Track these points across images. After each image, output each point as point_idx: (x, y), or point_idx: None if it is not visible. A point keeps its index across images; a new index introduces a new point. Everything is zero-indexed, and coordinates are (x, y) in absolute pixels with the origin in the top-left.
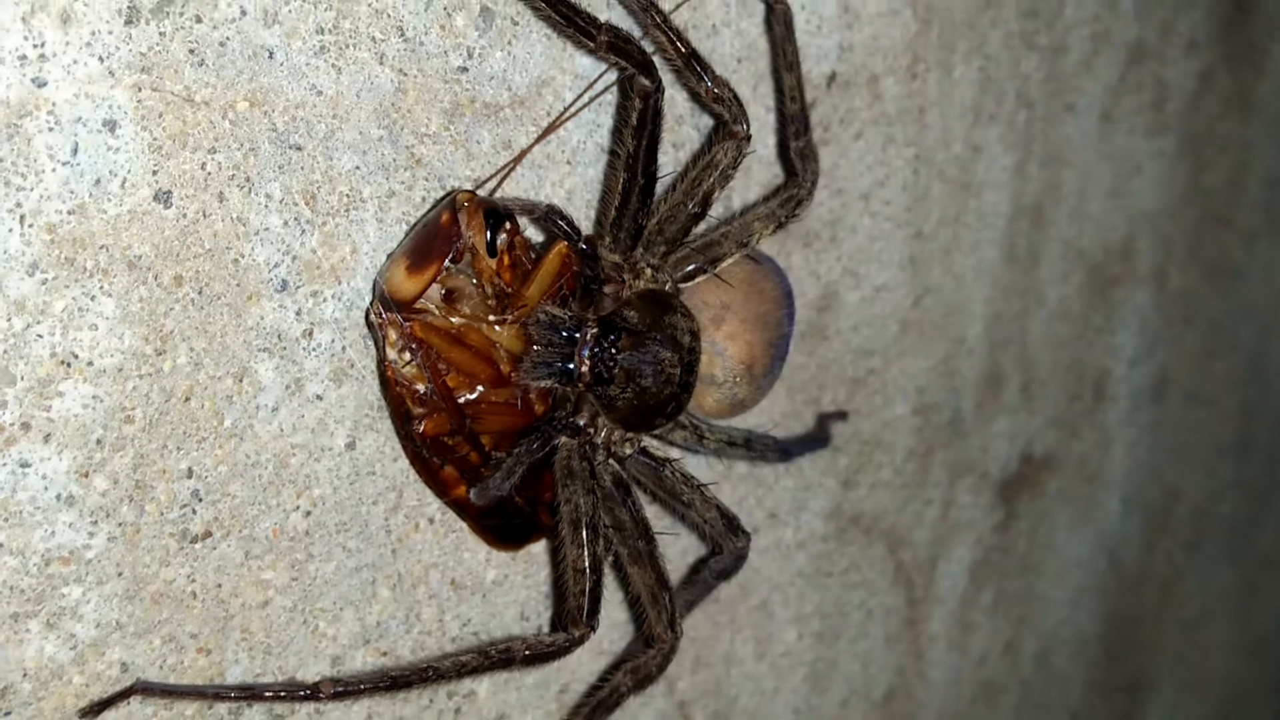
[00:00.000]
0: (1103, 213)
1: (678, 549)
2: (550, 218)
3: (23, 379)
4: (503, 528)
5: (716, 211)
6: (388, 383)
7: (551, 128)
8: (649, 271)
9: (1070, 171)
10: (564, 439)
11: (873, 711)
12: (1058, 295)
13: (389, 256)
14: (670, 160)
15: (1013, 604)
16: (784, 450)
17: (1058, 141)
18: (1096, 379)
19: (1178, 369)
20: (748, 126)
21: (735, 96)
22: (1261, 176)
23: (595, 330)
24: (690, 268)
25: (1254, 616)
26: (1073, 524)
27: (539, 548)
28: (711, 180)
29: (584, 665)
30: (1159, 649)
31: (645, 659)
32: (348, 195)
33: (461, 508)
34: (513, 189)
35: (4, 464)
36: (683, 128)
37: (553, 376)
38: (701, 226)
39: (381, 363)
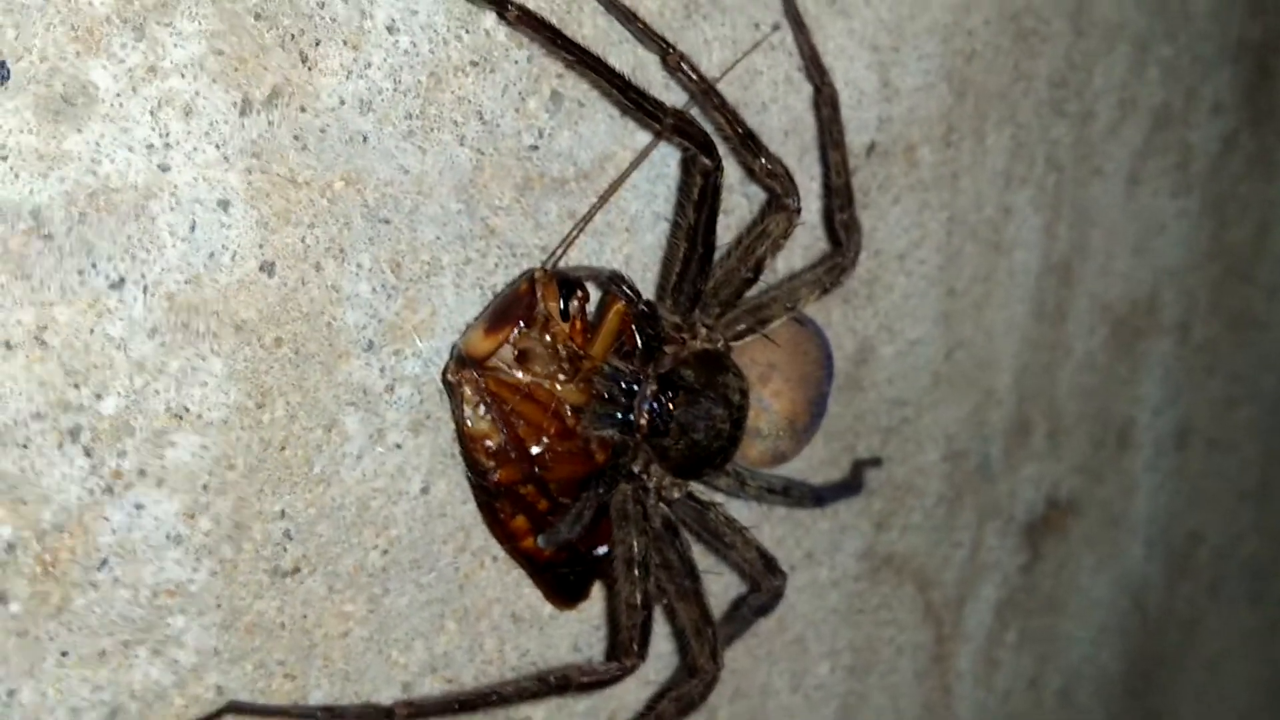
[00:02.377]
0: (1128, 269)
1: (720, 585)
2: (614, 282)
3: (140, 431)
4: (562, 579)
5: (764, 275)
6: (463, 437)
7: (609, 193)
8: (704, 331)
9: (1097, 231)
10: (620, 485)
11: None
12: (1084, 348)
13: (468, 325)
14: (721, 224)
15: (1037, 642)
16: (819, 497)
17: (1085, 203)
18: (1121, 427)
19: (1200, 417)
20: (799, 200)
21: (787, 172)
22: None
23: (654, 386)
24: (741, 328)
25: (1274, 657)
26: (1097, 566)
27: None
28: (764, 248)
29: (631, 694)
30: (1180, 688)
31: (689, 687)
32: (428, 263)
33: (527, 558)
34: (576, 256)
35: (122, 506)
36: (733, 195)
37: (614, 426)
38: (752, 290)
39: (458, 419)
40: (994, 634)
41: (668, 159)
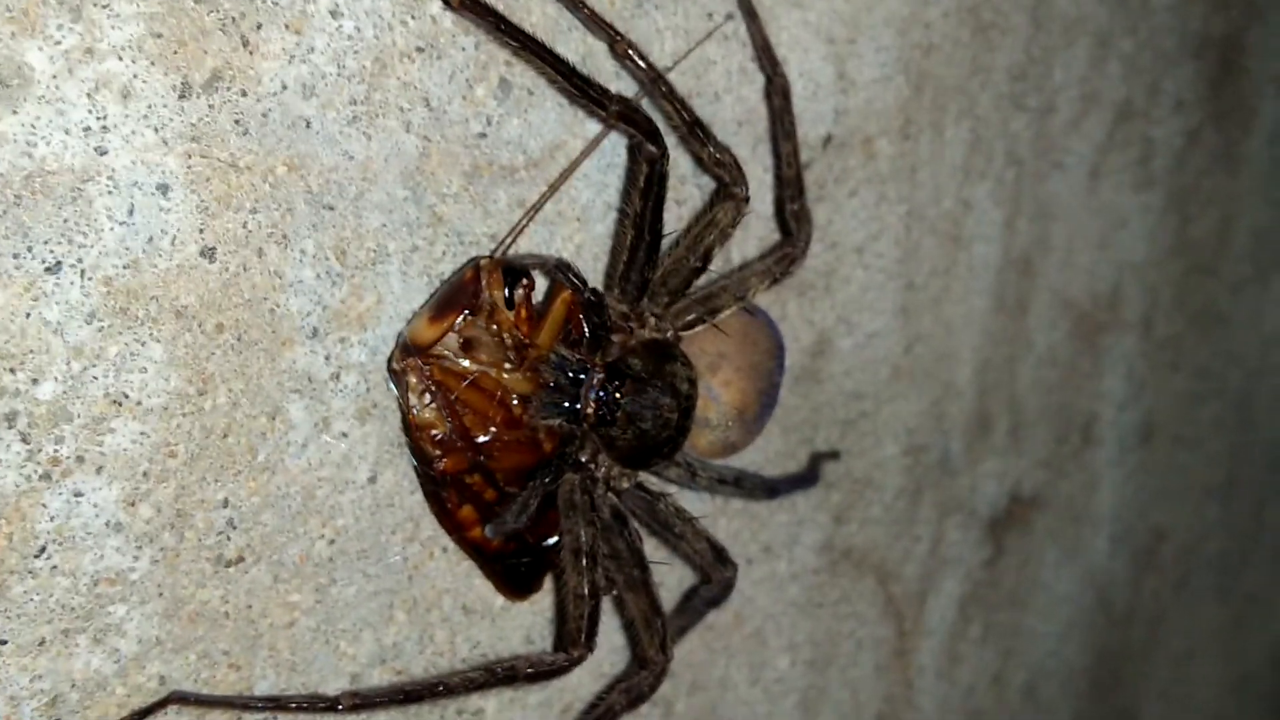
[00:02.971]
0: (1090, 264)
1: (674, 578)
2: (560, 270)
3: (79, 416)
4: (512, 570)
5: (715, 264)
6: (409, 426)
7: (559, 183)
8: (653, 321)
9: (1058, 225)
10: (567, 474)
11: None
12: (1046, 342)
13: (414, 313)
14: (673, 216)
15: (1001, 637)
16: (772, 488)
17: (1046, 197)
18: (1084, 422)
19: (1165, 413)
20: (747, 189)
21: (735, 161)
22: (1248, 228)
23: (601, 375)
24: (690, 317)
25: (1240, 653)
26: (1060, 561)
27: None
28: (712, 237)
29: (585, 686)
30: (1146, 684)
31: (638, 679)
32: (374, 250)
33: (476, 549)
34: (527, 244)
35: (60, 493)
36: (685, 186)
37: (561, 415)
38: (702, 280)
39: (403, 407)
40: (957, 629)
41: (619, 148)
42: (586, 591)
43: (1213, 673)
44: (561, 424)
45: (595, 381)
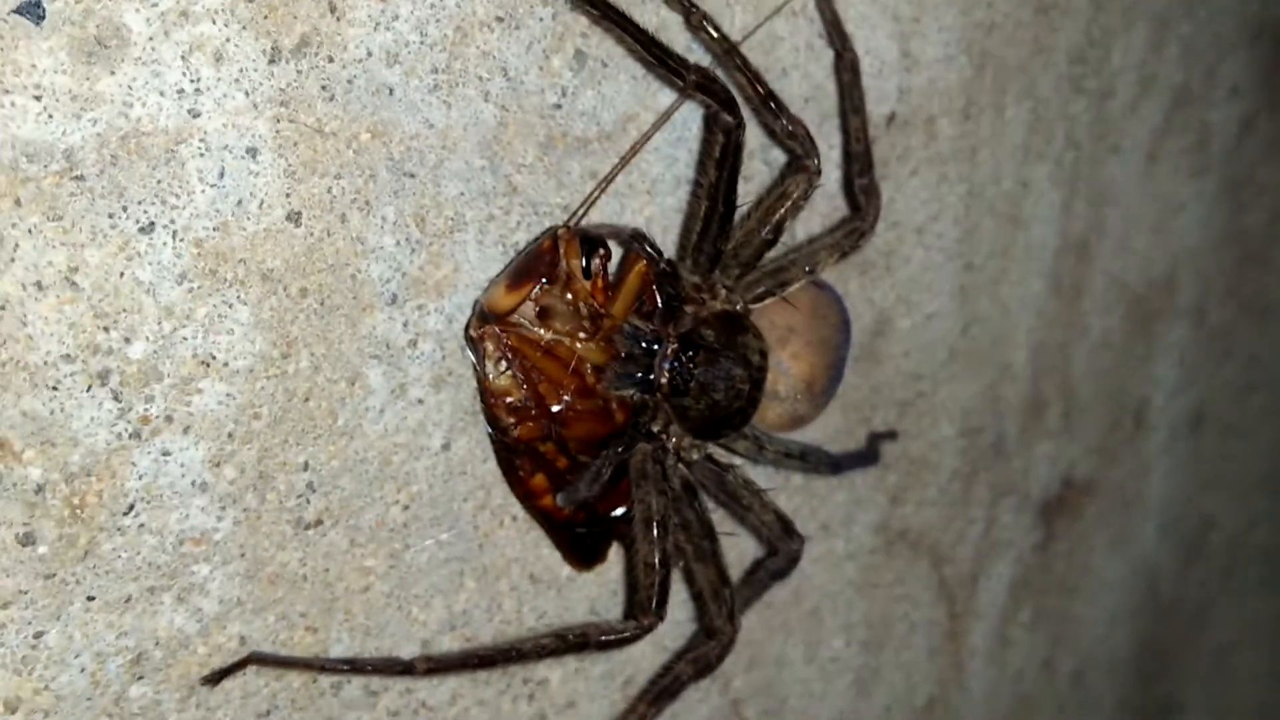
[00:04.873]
0: (1145, 249)
1: (737, 553)
2: (636, 241)
3: (168, 376)
4: (580, 540)
5: (783, 239)
6: (484, 393)
7: (632, 154)
8: (724, 293)
9: (1115, 209)
10: (640, 444)
11: (914, 719)
12: (1100, 327)
13: (491, 281)
14: (741, 190)
15: (1050, 622)
16: (835, 464)
17: (1103, 180)
18: (1136, 408)
19: (1215, 401)
20: (818, 161)
21: (808, 134)
22: None
23: (675, 345)
24: (760, 290)
25: None
26: (1110, 547)
27: (611, 552)
28: (784, 210)
29: (647, 659)
30: (1191, 673)
31: (705, 649)
32: (452, 219)
33: (546, 517)
34: (598, 216)
35: (149, 452)
36: (753, 162)
37: (635, 386)
38: (772, 253)
39: (479, 374)
40: (1007, 612)
41: (689, 122)
42: (658, 560)
43: (1258, 664)
44: (635, 394)
45: (669, 352)
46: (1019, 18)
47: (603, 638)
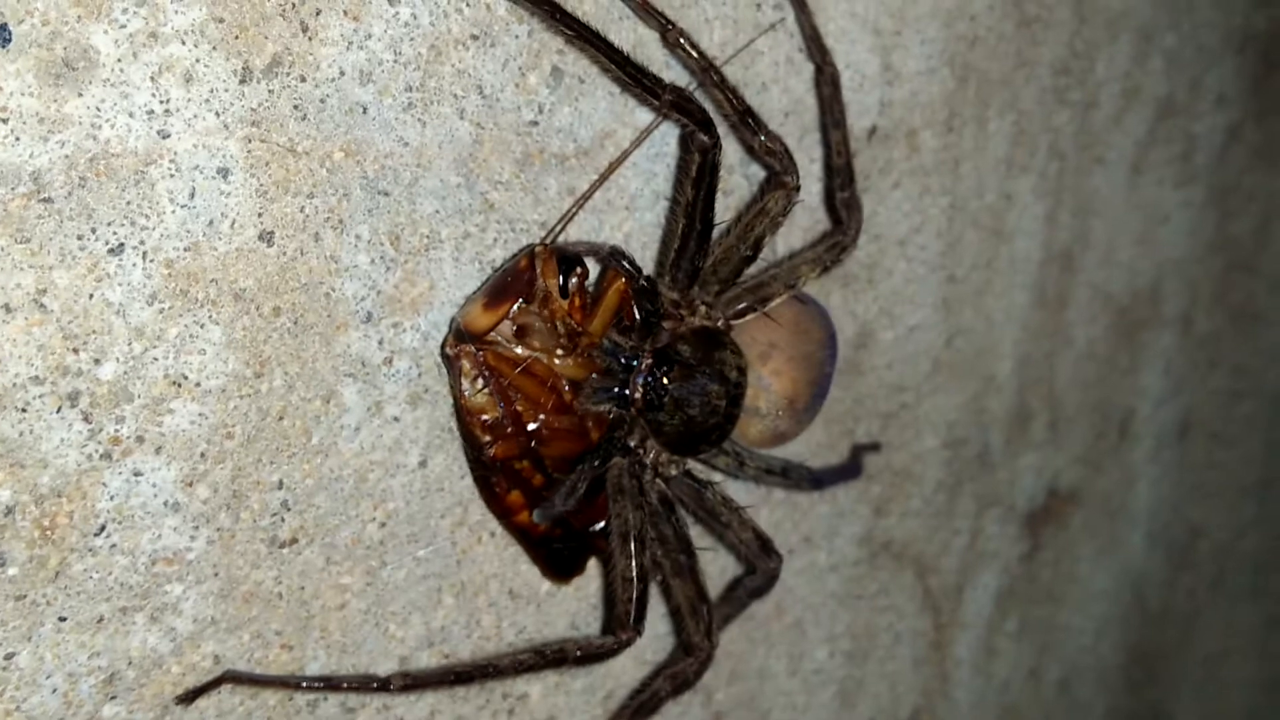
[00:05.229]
0: (1130, 259)
1: (716, 568)
2: (614, 258)
3: (139, 397)
4: (557, 555)
5: (763, 255)
6: (461, 411)
7: (609, 171)
8: (703, 309)
9: (1099, 220)
10: (616, 459)
11: None
12: (1085, 337)
13: (467, 299)
14: (720, 206)
15: (1037, 632)
16: (817, 480)
17: (1088, 192)
18: (1122, 418)
19: (1202, 410)
20: (797, 178)
21: (787, 150)
22: None
23: (650, 360)
24: (741, 306)
25: (1274, 653)
26: (1097, 557)
27: (589, 564)
28: (763, 226)
29: (628, 673)
30: (1180, 682)
31: (683, 665)
32: (427, 236)
33: (523, 533)
34: (576, 232)
35: (120, 473)
36: (733, 176)
37: (610, 400)
38: (752, 269)
39: (456, 392)
40: (993, 623)
41: (668, 138)
42: (635, 575)
43: (1246, 672)
44: (611, 409)
45: (644, 367)
46: (1001, 31)
47: (580, 652)
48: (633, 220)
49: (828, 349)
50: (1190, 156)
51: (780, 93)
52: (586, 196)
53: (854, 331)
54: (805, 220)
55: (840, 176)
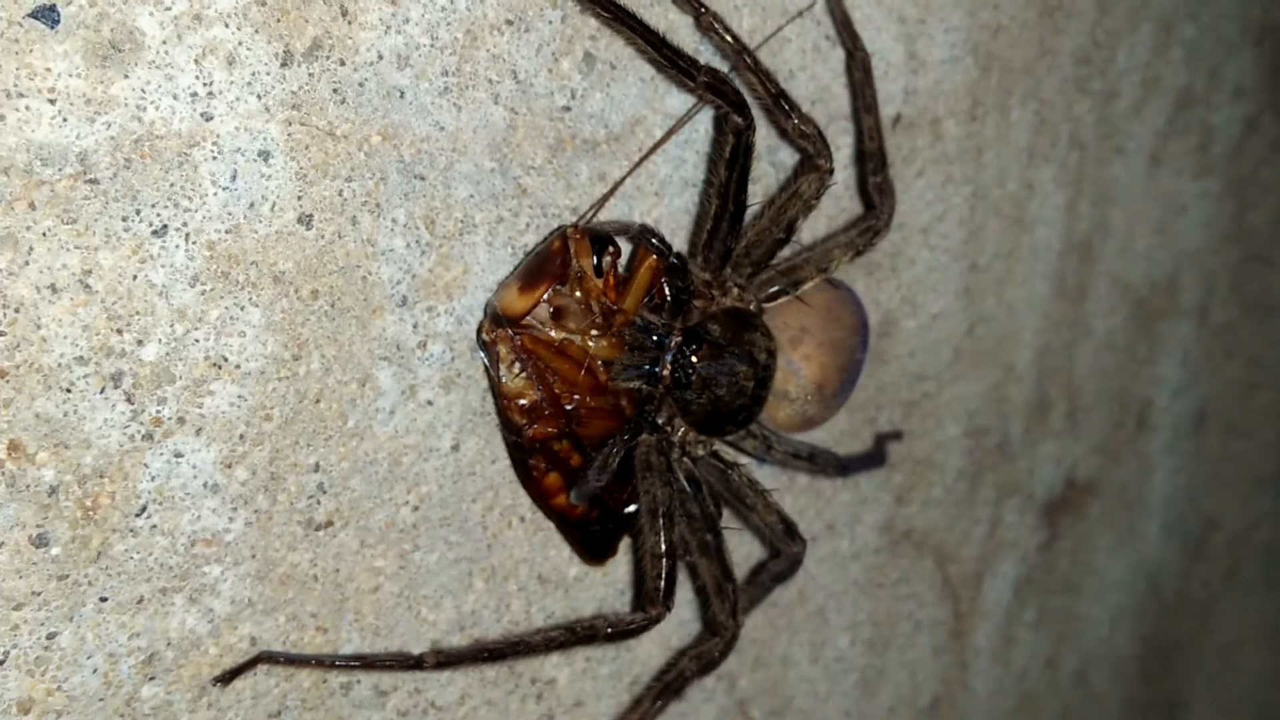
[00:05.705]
0: (1149, 250)
1: (741, 555)
2: (644, 236)
3: (180, 378)
4: (593, 536)
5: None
6: (498, 395)
7: (643, 159)
8: (735, 290)
9: (1119, 210)
10: (644, 435)
11: (919, 718)
12: (1104, 327)
13: (501, 283)
14: (750, 193)
15: (1054, 621)
16: (843, 466)
17: (1107, 181)
18: (1140, 408)
19: (1218, 401)
20: (831, 161)
21: (820, 133)
22: None
23: (679, 339)
24: (774, 289)
25: None
26: (1113, 547)
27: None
28: (796, 209)
29: (654, 658)
30: (1195, 672)
31: (709, 645)
32: (462, 221)
33: (561, 516)
34: (605, 217)
35: (161, 454)
36: (760, 163)
37: (640, 378)
38: (785, 252)
39: (493, 377)
40: (1012, 612)
41: (697, 125)
42: (664, 550)
43: (1261, 663)
44: (640, 386)
45: (673, 344)
46: (1024, 20)
47: (610, 629)
48: (662, 206)
49: (859, 336)
50: (1208, 147)
51: (807, 80)
52: (620, 182)
53: (877, 320)
54: (830, 209)
55: (873, 161)
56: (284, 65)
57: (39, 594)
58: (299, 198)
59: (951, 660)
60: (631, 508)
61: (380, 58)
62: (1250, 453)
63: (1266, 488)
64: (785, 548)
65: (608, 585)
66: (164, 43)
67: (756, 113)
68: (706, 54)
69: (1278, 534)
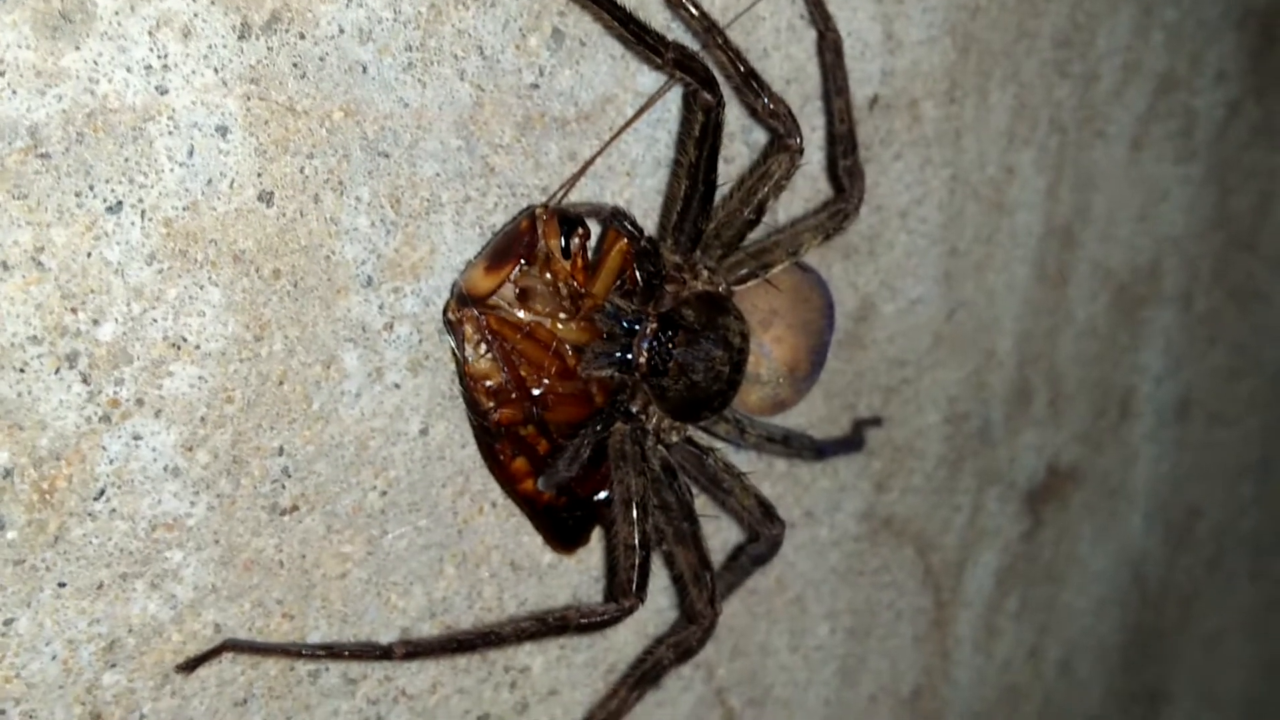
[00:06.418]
0: (1131, 235)
1: (718, 541)
2: (615, 219)
3: (138, 359)
4: (562, 524)
5: (766, 221)
6: (464, 377)
7: (614, 138)
8: (706, 273)
9: (1100, 195)
10: (618, 424)
11: (900, 708)
12: (1086, 314)
13: (469, 262)
14: (721, 173)
15: (1037, 611)
16: (819, 449)
17: (1088, 166)
18: (1122, 396)
19: (1201, 388)
20: (801, 140)
21: (790, 113)
22: None
23: (654, 325)
24: (743, 271)
25: (1272, 634)
26: (1096, 536)
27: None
28: (766, 190)
29: (630, 645)
30: (1178, 662)
31: (686, 634)
32: (428, 200)
33: (528, 501)
34: (576, 197)
35: (120, 436)
36: (734, 144)
37: (613, 365)
38: (755, 234)
39: (459, 358)
40: (994, 601)
41: (669, 104)
42: (637, 542)
43: (1244, 653)
44: (614, 374)
45: (648, 331)
46: (1003, 1)
47: (583, 619)
48: (634, 186)
49: (826, 317)
50: (1190, 132)
51: (782, 60)
52: (590, 161)
53: (855, 304)
54: (806, 190)
55: (843, 144)
56: (241, 38)
57: None
58: (259, 174)
59: (933, 649)
60: (601, 494)
61: (341, 31)
62: (1234, 441)
63: (1250, 476)
64: (764, 530)
65: (582, 572)
66: (116, 13)
67: (728, 92)
68: (678, 33)
69: (1261, 523)
